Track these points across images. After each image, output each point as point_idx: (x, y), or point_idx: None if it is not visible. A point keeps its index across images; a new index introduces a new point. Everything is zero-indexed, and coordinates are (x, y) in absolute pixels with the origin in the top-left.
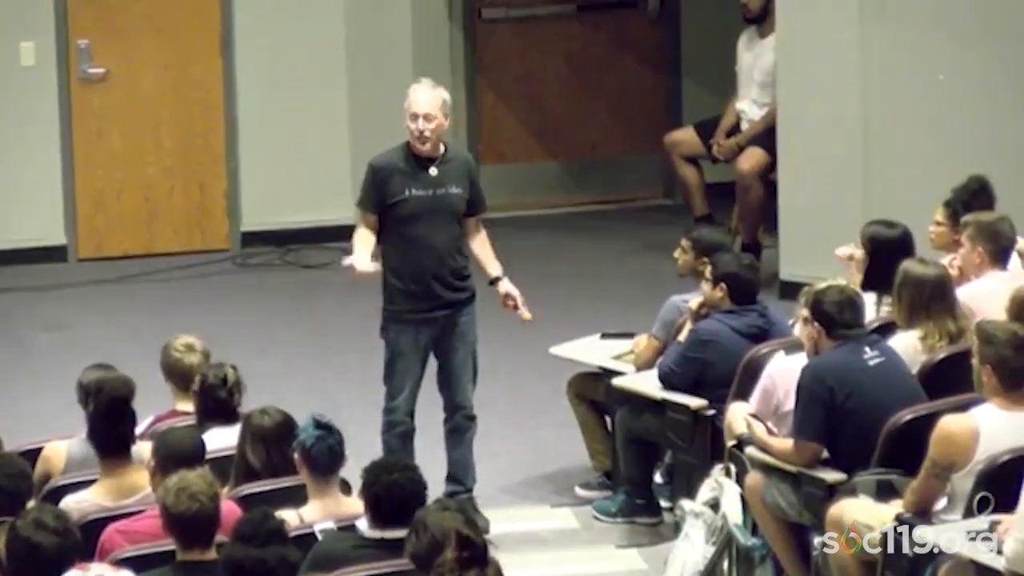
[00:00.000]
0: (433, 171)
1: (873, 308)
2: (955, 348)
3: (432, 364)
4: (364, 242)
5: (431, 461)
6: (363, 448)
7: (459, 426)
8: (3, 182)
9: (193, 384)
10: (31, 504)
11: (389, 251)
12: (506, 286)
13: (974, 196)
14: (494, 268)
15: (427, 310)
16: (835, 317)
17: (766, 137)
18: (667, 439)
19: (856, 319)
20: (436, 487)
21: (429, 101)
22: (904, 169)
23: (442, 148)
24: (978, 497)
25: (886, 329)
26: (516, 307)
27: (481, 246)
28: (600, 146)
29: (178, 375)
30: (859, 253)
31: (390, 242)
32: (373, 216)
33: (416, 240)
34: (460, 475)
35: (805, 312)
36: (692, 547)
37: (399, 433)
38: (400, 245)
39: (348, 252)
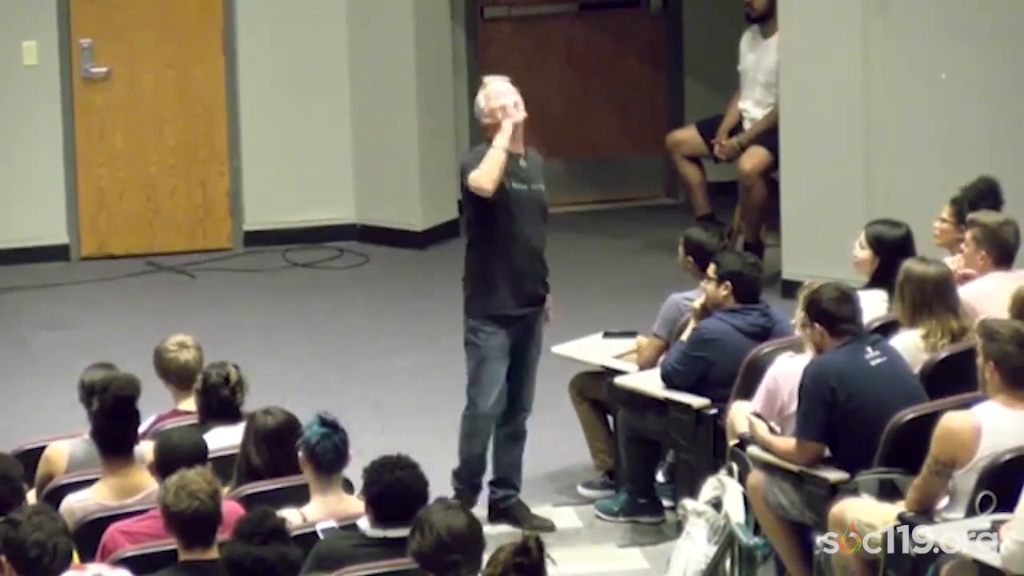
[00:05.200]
0: (523, 163)
1: (884, 305)
2: (957, 347)
3: None
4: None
5: (432, 460)
6: (364, 448)
7: (519, 430)
8: (5, 181)
9: (195, 383)
10: (28, 504)
11: (483, 249)
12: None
13: (982, 197)
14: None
15: (519, 307)
16: (835, 313)
17: (768, 136)
18: (669, 438)
19: (854, 313)
20: (438, 486)
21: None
22: (906, 168)
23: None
24: (980, 496)
25: (890, 327)
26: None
27: None
28: (602, 145)
29: (176, 374)
30: (863, 253)
31: (485, 239)
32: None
33: (514, 237)
34: (514, 479)
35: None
36: (694, 546)
37: (485, 439)
38: (497, 242)
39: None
